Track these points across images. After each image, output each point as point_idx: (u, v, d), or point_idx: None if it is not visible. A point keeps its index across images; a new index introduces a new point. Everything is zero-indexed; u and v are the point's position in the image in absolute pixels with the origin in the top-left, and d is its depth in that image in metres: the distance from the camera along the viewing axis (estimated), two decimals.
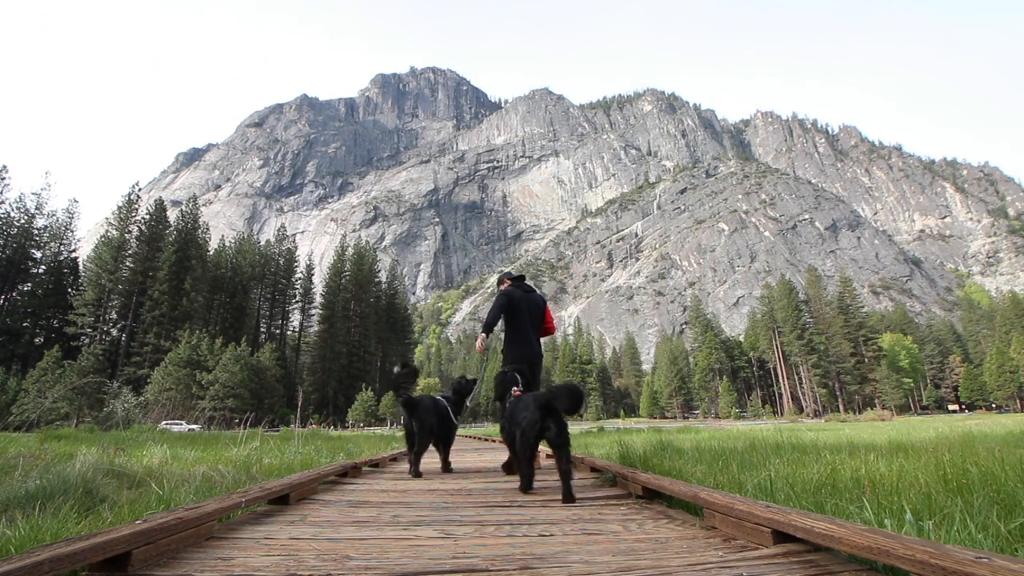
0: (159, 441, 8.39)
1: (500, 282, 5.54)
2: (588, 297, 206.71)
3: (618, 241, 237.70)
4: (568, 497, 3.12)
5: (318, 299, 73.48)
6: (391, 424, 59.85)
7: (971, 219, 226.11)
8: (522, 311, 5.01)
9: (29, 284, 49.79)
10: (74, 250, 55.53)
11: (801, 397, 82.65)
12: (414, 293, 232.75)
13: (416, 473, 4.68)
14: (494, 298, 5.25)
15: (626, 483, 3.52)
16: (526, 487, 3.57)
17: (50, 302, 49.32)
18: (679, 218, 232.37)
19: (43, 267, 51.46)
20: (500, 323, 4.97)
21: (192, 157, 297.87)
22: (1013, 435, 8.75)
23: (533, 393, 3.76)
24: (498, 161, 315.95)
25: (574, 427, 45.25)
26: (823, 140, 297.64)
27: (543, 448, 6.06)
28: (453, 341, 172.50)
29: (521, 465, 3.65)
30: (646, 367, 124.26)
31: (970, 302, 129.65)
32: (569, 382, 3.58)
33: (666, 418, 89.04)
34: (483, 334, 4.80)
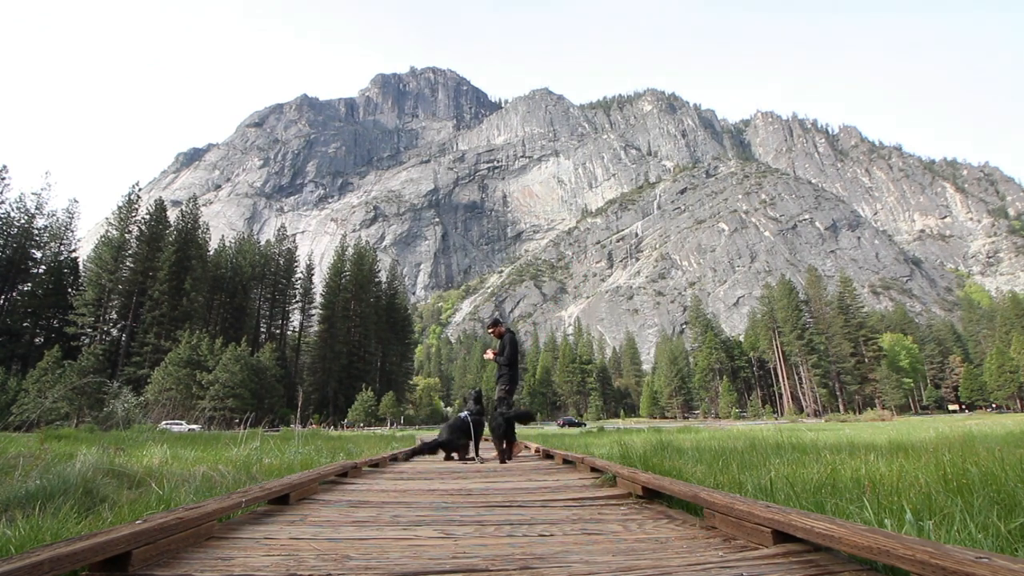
0: (159, 441, 8.40)
1: (498, 323, 7.83)
2: (588, 297, 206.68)
3: (618, 241, 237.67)
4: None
5: (318, 299, 73.43)
6: (391, 424, 59.85)
7: (971, 219, 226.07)
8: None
9: (29, 284, 49.77)
10: (74, 250, 55.50)
11: (801, 397, 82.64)
12: (414, 293, 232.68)
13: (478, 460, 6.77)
14: (511, 340, 7.55)
15: (626, 483, 3.52)
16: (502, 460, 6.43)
17: (50, 302, 49.30)
18: (679, 218, 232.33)
19: (43, 267, 51.43)
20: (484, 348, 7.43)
21: (192, 157, 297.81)
22: (1013, 435, 8.76)
23: (503, 411, 6.87)
24: (498, 161, 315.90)
25: (575, 429, 45.74)
26: (823, 140, 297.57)
27: (539, 445, 7.70)
28: (453, 341, 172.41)
29: (497, 448, 6.69)
30: (646, 367, 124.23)
31: (970, 302, 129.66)
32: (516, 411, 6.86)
33: (666, 418, 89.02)
34: (505, 362, 7.44)
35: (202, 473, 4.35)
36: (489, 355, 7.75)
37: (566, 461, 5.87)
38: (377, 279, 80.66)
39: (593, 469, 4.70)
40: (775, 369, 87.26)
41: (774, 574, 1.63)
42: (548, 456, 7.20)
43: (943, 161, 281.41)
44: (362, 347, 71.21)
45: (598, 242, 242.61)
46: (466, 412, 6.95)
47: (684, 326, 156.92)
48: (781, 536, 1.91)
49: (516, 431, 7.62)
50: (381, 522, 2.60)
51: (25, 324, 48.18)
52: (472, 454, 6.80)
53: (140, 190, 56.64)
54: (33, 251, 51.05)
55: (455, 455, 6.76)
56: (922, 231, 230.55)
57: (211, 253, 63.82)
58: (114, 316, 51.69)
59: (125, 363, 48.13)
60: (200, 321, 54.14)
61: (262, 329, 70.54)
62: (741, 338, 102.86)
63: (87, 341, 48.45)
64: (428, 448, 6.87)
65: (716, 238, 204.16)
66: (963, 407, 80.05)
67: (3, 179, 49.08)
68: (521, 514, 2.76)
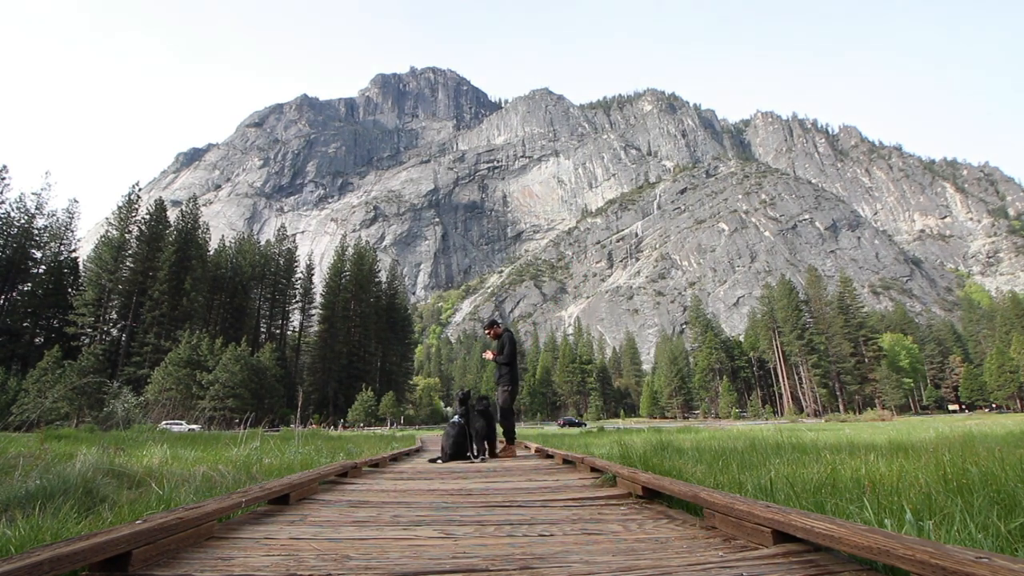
0: (159, 441, 8.39)
1: (495, 324, 7.86)
2: (588, 297, 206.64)
3: (618, 241, 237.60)
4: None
5: (318, 299, 73.42)
6: (391, 424, 59.85)
7: (971, 219, 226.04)
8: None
9: (29, 284, 49.75)
10: (74, 250, 55.49)
11: (801, 397, 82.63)
12: (414, 293, 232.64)
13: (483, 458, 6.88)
14: (509, 339, 7.64)
15: (626, 483, 3.52)
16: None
17: (50, 302, 49.29)
18: (679, 218, 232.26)
19: (43, 267, 51.42)
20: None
21: (192, 157, 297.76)
22: (1013, 435, 8.76)
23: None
24: (498, 161, 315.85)
25: (575, 429, 45.77)
26: (823, 140, 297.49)
27: (539, 445, 7.79)
28: (453, 341, 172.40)
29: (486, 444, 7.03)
30: (646, 367, 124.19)
31: (970, 302, 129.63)
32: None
33: (666, 418, 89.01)
34: (504, 361, 7.53)
35: (202, 473, 4.35)
36: (488, 355, 7.75)
37: (566, 461, 5.87)
38: (377, 279, 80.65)
39: (593, 469, 4.70)
40: (775, 369, 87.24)
41: (774, 574, 1.63)
42: (548, 456, 7.20)
43: (943, 161, 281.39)
44: (362, 347, 71.19)
45: (598, 242, 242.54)
46: (456, 417, 7.07)
47: (684, 326, 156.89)
48: (781, 536, 1.91)
49: (516, 431, 7.68)
50: (381, 522, 2.60)
51: (25, 324, 48.17)
52: (470, 452, 6.89)
53: (140, 190, 56.61)
54: (33, 251, 51.03)
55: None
56: (922, 231, 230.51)
57: (211, 253, 63.78)
58: (114, 316, 51.67)
59: (125, 363, 48.12)
60: (200, 321, 54.13)
61: (262, 329, 70.51)
62: (741, 338, 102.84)
63: (87, 341, 48.44)
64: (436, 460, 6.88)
65: (716, 238, 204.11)
66: (963, 407, 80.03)
67: (3, 179, 49.08)
68: (521, 514, 2.76)
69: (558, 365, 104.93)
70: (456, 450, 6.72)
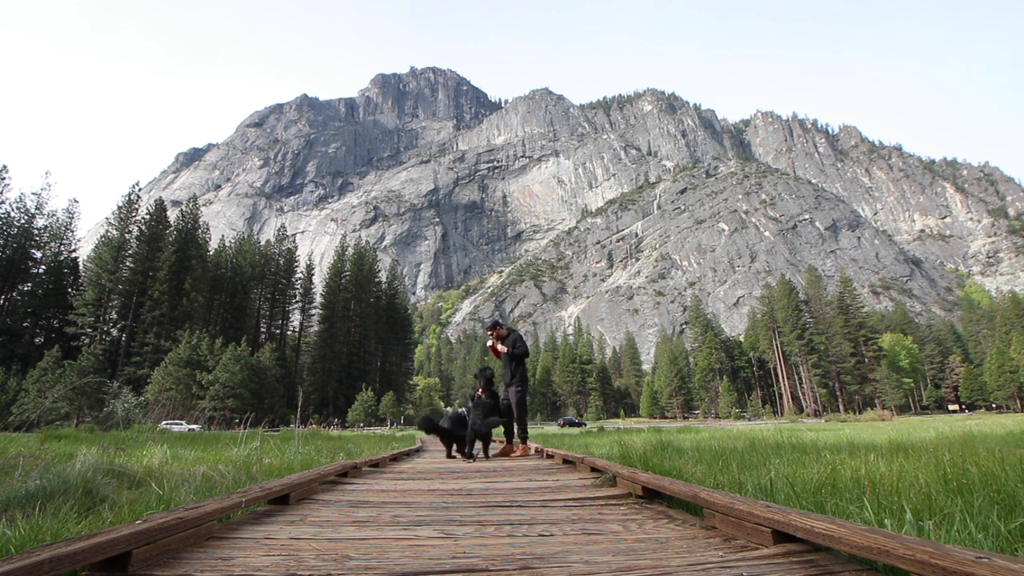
0: (159, 441, 8.39)
1: (498, 325, 7.77)
2: (588, 297, 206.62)
3: (618, 241, 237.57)
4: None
5: (318, 299, 73.43)
6: (391, 424, 59.84)
7: (971, 219, 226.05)
8: None
9: (29, 284, 49.75)
10: (74, 250, 55.48)
11: (801, 397, 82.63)
12: (414, 293, 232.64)
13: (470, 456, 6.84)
14: (519, 337, 7.64)
15: (626, 483, 3.52)
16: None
17: (50, 302, 49.29)
18: (679, 218, 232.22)
19: (43, 267, 51.42)
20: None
21: (192, 157, 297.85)
22: (1013, 435, 8.76)
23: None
24: (498, 161, 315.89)
25: (575, 429, 45.91)
26: (823, 140, 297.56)
27: (539, 445, 7.81)
28: (453, 341, 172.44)
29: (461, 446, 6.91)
30: (646, 367, 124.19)
31: (970, 302, 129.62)
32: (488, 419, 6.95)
33: (666, 418, 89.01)
34: (519, 354, 7.43)
35: (202, 473, 4.35)
36: (502, 348, 7.59)
37: (566, 461, 5.86)
38: (377, 279, 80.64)
39: (593, 469, 4.69)
40: (775, 369, 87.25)
41: (774, 574, 1.63)
42: (548, 456, 7.19)
43: (943, 161, 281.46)
44: (362, 347, 71.18)
45: (598, 242, 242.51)
46: (463, 409, 7.26)
47: (684, 326, 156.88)
48: (781, 536, 1.91)
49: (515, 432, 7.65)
50: (381, 522, 2.60)
51: (25, 324, 48.16)
52: (470, 449, 6.89)
53: (140, 190, 56.65)
54: (33, 251, 51.03)
55: (455, 446, 7.03)
56: (922, 231, 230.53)
57: (211, 253, 63.80)
58: (114, 316, 51.67)
59: (125, 363, 48.12)
60: (200, 321, 54.11)
61: (262, 329, 70.50)
62: (741, 338, 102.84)
63: (87, 341, 48.43)
64: (433, 429, 7.15)
65: (716, 238, 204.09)
66: (963, 407, 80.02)
67: (3, 179, 49.07)
68: (521, 514, 2.75)
69: (558, 365, 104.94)
70: (452, 427, 7.00)
